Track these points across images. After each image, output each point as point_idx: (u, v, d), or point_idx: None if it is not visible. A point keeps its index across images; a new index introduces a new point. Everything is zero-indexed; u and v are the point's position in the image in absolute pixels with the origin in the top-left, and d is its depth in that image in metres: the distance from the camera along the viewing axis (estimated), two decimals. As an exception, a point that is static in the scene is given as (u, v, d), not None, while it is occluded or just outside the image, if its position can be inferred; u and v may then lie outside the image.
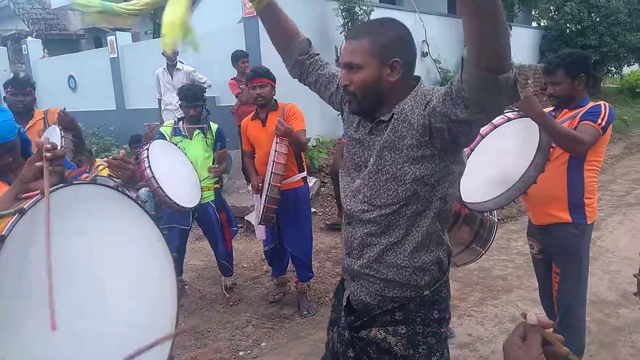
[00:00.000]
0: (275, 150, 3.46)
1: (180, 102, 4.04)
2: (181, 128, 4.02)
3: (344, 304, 1.70)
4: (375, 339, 1.59)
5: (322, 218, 6.12)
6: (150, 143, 3.57)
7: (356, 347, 1.64)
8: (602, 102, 2.54)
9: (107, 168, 4.83)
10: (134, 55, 9.26)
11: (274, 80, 3.76)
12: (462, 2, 1.14)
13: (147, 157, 3.42)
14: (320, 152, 7.07)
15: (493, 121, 2.13)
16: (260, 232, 3.94)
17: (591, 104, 2.56)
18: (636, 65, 17.28)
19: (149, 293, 1.47)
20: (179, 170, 3.73)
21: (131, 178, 1.74)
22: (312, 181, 6.38)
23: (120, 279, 1.39)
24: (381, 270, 1.57)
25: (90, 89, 10.06)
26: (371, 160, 1.55)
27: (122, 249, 1.42)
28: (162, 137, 3.90)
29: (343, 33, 7.79)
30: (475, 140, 2.05)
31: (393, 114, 1.51)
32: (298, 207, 3.80)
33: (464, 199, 2.15)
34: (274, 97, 3.80)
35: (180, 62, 6.95)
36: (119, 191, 1.43)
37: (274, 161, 3.43)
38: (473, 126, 1.38)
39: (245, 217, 5.93)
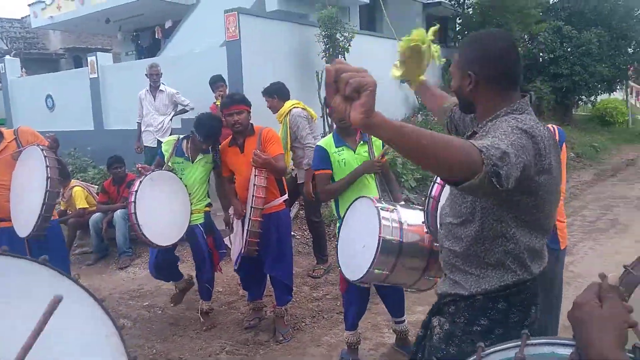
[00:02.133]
0: (255, 185, 3.46)
1: (193, 131, 3.83)
2: (184, 149, 3.90)
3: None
4: (431, 325, 1.72)
5: (301, 242, 6.11)
6: (142, 180, 3.50)
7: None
8: (549, 125, 2.64)
9: (82, 188, 4.70)
10: (114, 76, 9.25)
11: (249, 105, 3.76)
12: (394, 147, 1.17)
13: (134, 201, 3.41)
14: (299, 175, 7.09)
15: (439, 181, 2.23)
16: (235, 255, 3.91)
17: None
18: (606, 94, 17.93)
19: None
20: (169, 203, 3.68)
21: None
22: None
23: None
24: (450, 269, 1.69)
25: (68, 108, 9.98)
26: None
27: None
28: (162, 155, 3.88)
29: (324, 59, 7.92)
30: (433, 206, 2.21)
31: (474, 131, 1.57)
32: (280, 231, 3.79)
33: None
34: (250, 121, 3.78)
35: (162, 83, 6.96)
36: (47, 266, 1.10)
37: (253, 195, 3.43)
38: None
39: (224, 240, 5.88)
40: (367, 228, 2.67)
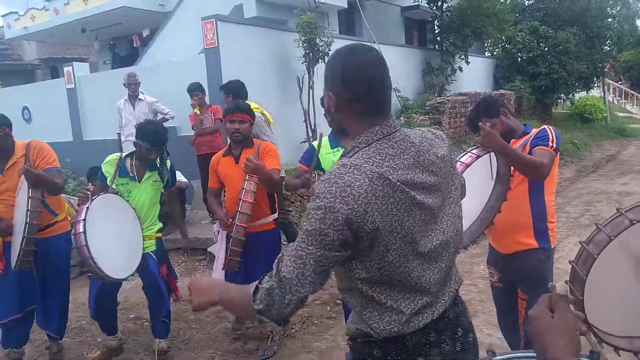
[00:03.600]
0: (244, 188, 3.27)
1: (138, 142, 3.44)
2: (128, 167, 3.49)
3: None
4: None
5: (287, 247, 6.06)
6: (89, 206, 3.03)
7: None
8: (545, 127, 2.64)
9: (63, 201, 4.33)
10: (92, 85, 9.10)
11: (253, 117, 3.57)
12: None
13: (84, 232, 2.93)
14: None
15: (463, 160, 2.21)
16: (219, 274, 3.57)
17: (535, 129, 2.66)
18: (584, 92, 18.26)
19: None
20: (120, 230, 3.27)
21: None
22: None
23: None
24: None
25: (46, 120, 9.78)
26: None
27: None
28: (104, 178, 3.46)
29: (304, 64, 7.90)
30: None
31: None
32: (269, 252, 3.50)
33: None
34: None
35: (141, 92, 6.87)
36: None
37: (241, 199, 3.26)
38: None
39: (208, 249, 5.81)
40: None
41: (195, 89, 6.23)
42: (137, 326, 4.33)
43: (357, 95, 1.36)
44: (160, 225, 3.66)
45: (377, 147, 1.33)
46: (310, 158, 3.33)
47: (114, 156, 3.55)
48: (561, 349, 0.91)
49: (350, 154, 1.35)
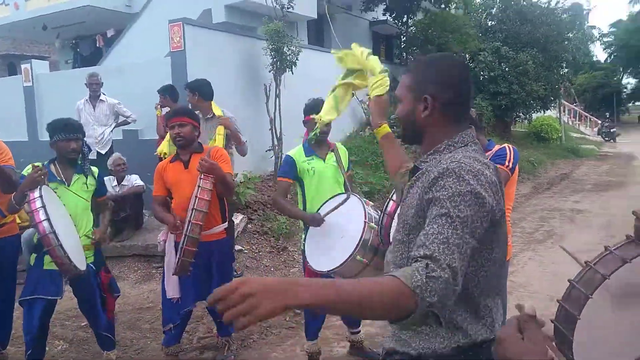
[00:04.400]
0: (199, 186, 3.09)
1: (53, 139, 3.26)
2: (54, 172, 3.27)
3: None
4: None
5: (249, 256, 6.00)
6: (41, 187, 2.90)
7: None
8: (506, 145, 2.72)
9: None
10: (51, 84, 8.81)
11: (195, 119, 3.45)
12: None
13: (44, 206, 2.76)
14: (248, 188, 7.00)
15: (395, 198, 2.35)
16: (173, 287, 3.35)
17: (497, 146, 2.73)
18: (542, 112, 18.95)
19: None
20: (66, 225, 3.08)
21: None
22: (238, 217, 6.26)
23: None
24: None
25: (1, 118, 9.39)
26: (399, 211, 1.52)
27: None
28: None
29: (272, 72, 7.89)
30: (387, 222, 2.31)
31: (415, 166, 1.47)
32: (220, 261, 3.44)
33: None
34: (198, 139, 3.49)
35: (103, 93, 6.69)
36: None
37: (196, 197, 3.07)
38: None
39: (167, 256, 5.68)
40: (348, 217, 2.70)
41: (159, 91, 6.10)
42: (88, 335, 4.17)
43: (458, 99, 1.43)
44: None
45: (474, 148, 1.40)
46: (290, 169, 3.40)
47: (36, 165, 3.25)
48: None
49: (448, 151, 1.40)
